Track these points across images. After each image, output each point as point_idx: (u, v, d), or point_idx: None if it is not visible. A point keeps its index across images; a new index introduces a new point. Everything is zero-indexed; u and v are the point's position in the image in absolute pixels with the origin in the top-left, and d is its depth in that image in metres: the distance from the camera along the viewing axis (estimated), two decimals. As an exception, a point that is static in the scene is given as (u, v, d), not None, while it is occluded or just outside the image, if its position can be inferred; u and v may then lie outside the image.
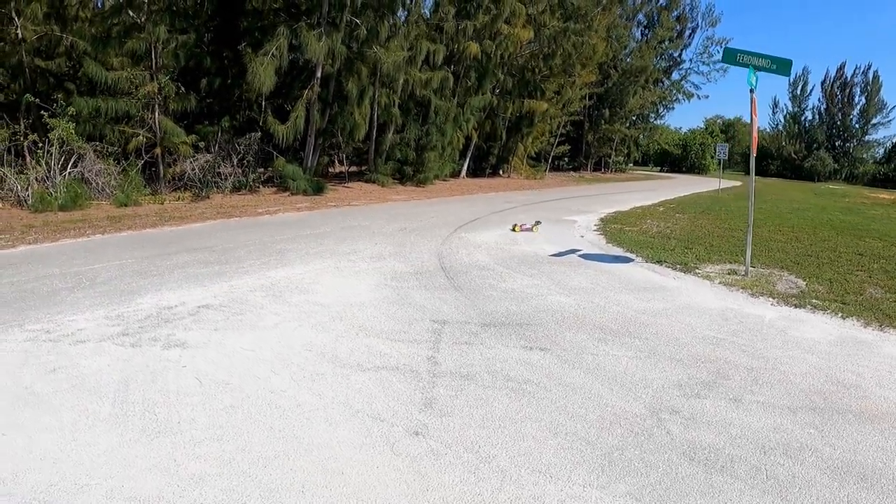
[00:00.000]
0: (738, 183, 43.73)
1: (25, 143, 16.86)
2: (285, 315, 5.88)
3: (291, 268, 8.17)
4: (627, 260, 9.57)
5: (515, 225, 12.21)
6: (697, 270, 8.67)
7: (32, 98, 17.55)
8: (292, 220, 14.09)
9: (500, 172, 36.37)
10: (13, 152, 17.16)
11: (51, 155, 16.22)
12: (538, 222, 12.55)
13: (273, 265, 8.38)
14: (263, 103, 20.74)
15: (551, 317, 5.99)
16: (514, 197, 22.88)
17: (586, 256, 9.80)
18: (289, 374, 4.41)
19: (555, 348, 5.05)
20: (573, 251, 10.24)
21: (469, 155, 31.62)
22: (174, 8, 19.45)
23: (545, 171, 40.71)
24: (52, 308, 6.24)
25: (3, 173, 16.87)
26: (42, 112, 16.78)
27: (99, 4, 23.90)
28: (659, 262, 9.37)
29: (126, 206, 16.09)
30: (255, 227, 12.78)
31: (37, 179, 16.35)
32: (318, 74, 19.79)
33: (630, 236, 12.34)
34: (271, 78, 17.82)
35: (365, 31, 20.20)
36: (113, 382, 4.26)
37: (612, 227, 13.95)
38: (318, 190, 19.38)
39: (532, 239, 11.65)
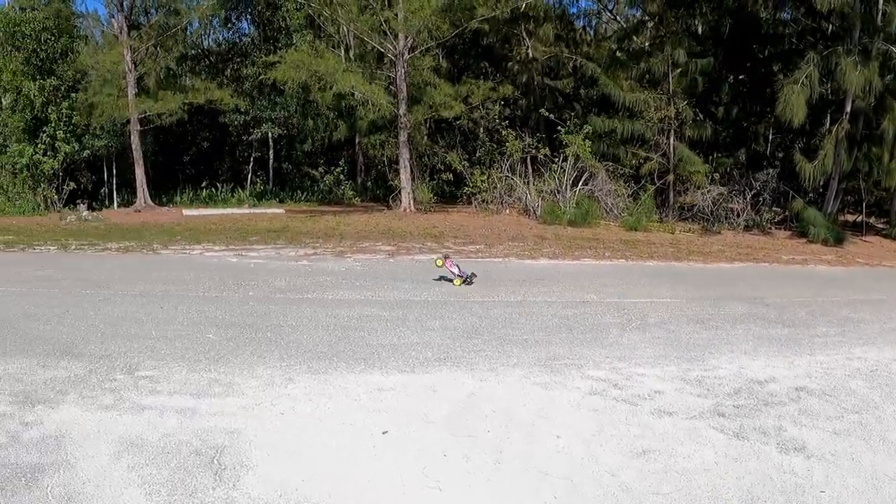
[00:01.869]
0: None
1: (536, 156, 19.63)
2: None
3: (878, 350, 7.31)
4: None
5: (438, 258, 9.43)
6: None
7: (547, 113, 20.27)
8: (832, 277, 13.46)
9: None
10: (524, 164, 20.20)
11: (563, 170, 18.30)
12: (473, 275, 9.36)
13: (851, 339, 7.64)
14: (771, 135, 21.44)
15: None
16: None
17: None
18: None
19: None
20: None
21: None
22: (689, 31, 20.96)
23: None
24: (608, 350, 5.96)
25: (514, 182, 19.71)
26: (559, 127, 18.95)
27: (596, 28, 28.11)
28: None
29: (635, 230, 17.07)
30: (791, 279, 12.47)
31: (546, 192, 18.61)
32: (847, 109, 19.06)
33: None
34: (803, 109, 17.62)
35: (905, 62, 18.45)
36: (732, 497, 3.58)
37: None
38: (838, 240, 18.51)
39: None
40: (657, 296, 8.85)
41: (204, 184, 23.95)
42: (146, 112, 20.76)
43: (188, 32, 24.30)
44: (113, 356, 5.73)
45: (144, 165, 21.32)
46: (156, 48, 22.20)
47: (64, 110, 21.22)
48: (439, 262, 9.28)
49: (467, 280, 9.21)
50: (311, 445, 3.95)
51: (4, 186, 22.58)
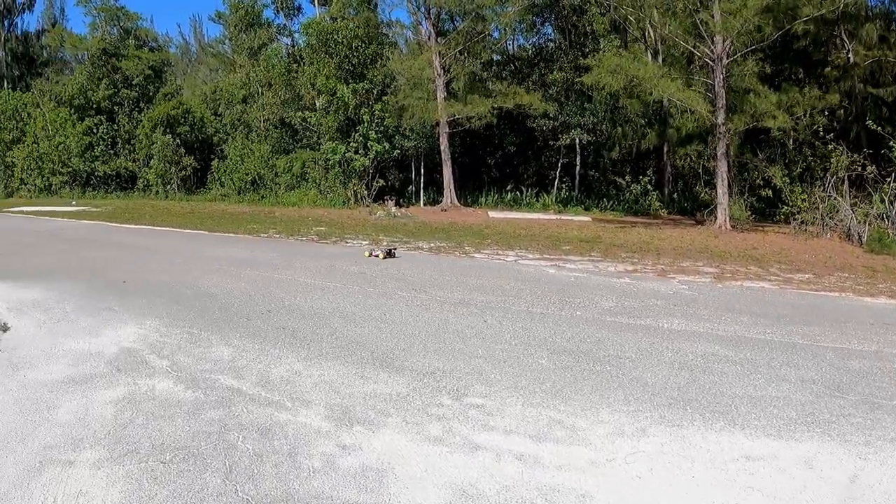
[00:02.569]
0: None
1: (853, 174, 18.83)
2: None
3: None
4: None
5: (365, 252, 13.13)
6: None
7: (875, 126, 19.02)
8: None
9: None
10: (847, 182, 19.18)
11: (894, 192, 17.25)
12: (393, 248, 13.36)
13: None
14: None
15: None
16: None
17: None
18: None
19: None
20: None
21: None
22: None
23: None
24: None
25: (837, 202, 18.43)
26: (892, 143, 17.94)
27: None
28: None
29: (971, 266, 16.60)
30: None
31: (873, 216, 17.54)
32: None
33: None
34: None
35: None
36: None
37: None
38: None
39: None
40: None
41: (509, 187, 26.00)
42: (455, 115, 23.23)
43: (494, 38, 26.77)
44: (437, 374, 5.71)
45: (452, 166, 24.10)
46: (462, 54, 24.94)
47: (376, 112, 23.72)
48: (367, 254, 12.82)
49: (391, 253, 12.81)
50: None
51: (317, 180, 26.40)
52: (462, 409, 4.92)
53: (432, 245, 14.58)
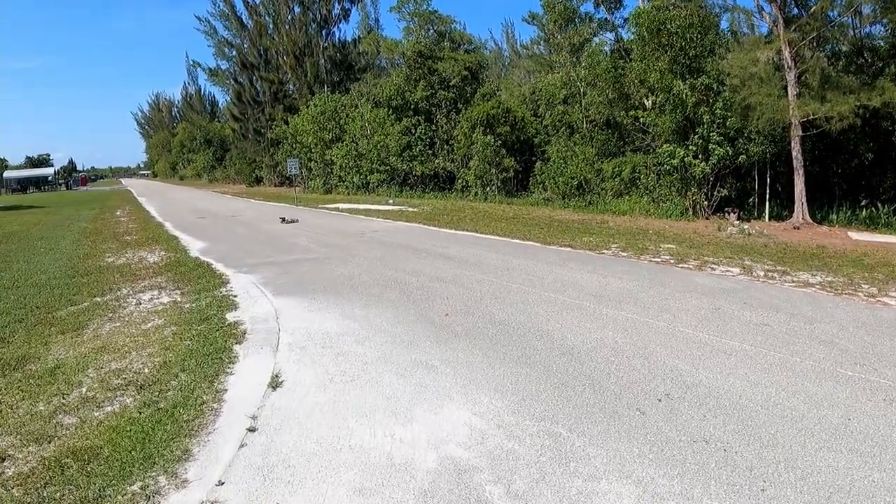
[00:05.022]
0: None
1: None
2: None
3: None
4: None
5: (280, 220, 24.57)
6: None
7: None
8: None
9: None
10: None
11: None
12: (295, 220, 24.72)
13: None
14: None
15: None
16: None
17: None
18: None
19: None
20: None
21: None
22: None
23: None
24: None
25: None
26: None
27: None
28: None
29: None
30: None
31: None
32: None
33: None
34: None
35: None
36: None
37: None
38: None
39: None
40: None
41: (863, 202, 24.36)
42: (810, 115, 22.18)
43: (840, 24, 24.85)
44: None
45: (803, 176, 23.11)
46: (815, 43, 23.66)
47: (717, 111, 22.82)
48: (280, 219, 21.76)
49: (290, 221, 20.29)
50: None
51: (649, 187, 26.69)
52: None
53: (818, 279, 11.97)
